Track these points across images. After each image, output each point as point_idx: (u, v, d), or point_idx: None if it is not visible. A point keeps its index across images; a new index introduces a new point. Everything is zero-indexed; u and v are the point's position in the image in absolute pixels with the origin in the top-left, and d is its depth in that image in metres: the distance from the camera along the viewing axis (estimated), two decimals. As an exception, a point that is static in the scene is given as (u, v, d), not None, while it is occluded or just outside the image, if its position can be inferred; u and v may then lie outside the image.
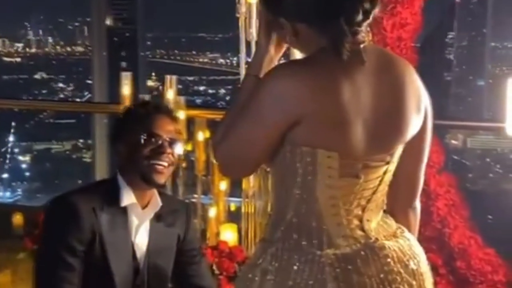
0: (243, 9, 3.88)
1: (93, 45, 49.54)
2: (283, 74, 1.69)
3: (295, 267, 1.73)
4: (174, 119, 2.67)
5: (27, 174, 42.84)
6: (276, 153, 1.74)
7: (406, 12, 3.99)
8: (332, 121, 1.67)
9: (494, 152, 39.17)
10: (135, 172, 2.52)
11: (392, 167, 1.82)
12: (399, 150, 1.81)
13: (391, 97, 1.75)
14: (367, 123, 1.70)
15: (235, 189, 4.26)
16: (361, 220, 1.79)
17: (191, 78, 49.97)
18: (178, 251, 2.70)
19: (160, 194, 2.65)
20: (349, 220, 1.77)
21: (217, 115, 4.32)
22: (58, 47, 56.22)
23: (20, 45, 55.64)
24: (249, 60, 2.55)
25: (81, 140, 45.46)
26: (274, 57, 1.87)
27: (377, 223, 1.83)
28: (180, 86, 4.72)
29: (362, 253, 1.75)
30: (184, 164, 4.16)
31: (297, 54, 2.27)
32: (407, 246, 1.83)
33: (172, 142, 2.57)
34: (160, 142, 2.54)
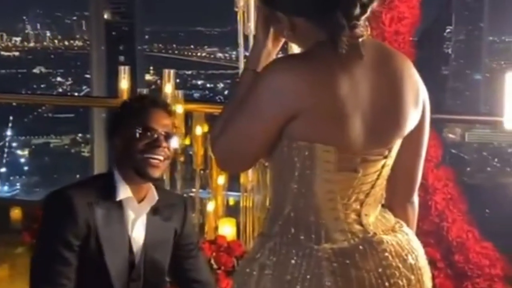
0: (241, 3, 3.88)
1: (91, 39, 49.45)
2: (281, 68, 1.69)
3: (293, 262, 1.72)
4: (170, 113, 2.67)
5: (26, 168, 42.80)
6: (274, 147, 1.74)
7: (404, 6, 3.98)
8: (330, 115, 1.67)
9: (491, 146, 39.19)
10: (130, 166, 2.52)
11: (390, 161, 1.82)
12: (397, 144, 1.81)
13: (389, 91, 1.75)
14: (365, 117, 1.70)
15: (234, 183, 4.26)
16: (359, 215, 1.79)
17: (189, 72, 49.90)
18: (175, 245, 2.70)
19: (157, 188, 2.65)
20: (347, 215, 1.77)
21: (215, 109, 4.32)
22: (56, 41, 56.11)
23: (18, 39, 55.52)
24: (248, 54, 2.55)
25: (79, 135, 45.40)
26: (272, 51, 1.87)
27: (375, 217, 1.83)
28: (178, 80, 4.72)
29: (360, 247, 1.75)
30: (182, 158, 4.16)
31: (295, 48, 2.27)
32: (405, 240, 1.83)
33: (167, 136, 2.56)
34: (155, 136, 2.54)
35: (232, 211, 4.24)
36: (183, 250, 2.74)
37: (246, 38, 3.87)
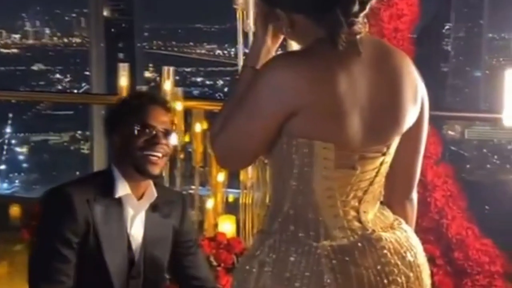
0: (240, 0, 3.87)
1: (91, 36, 49.34)
2: (280, 65, 1.69)
3: (292, 259, 1.72)
4: (169, 110, 2.68)
5: (25, 165, 42.74)
6: (273, 144, 1.74)
7: (403, 3, 3.97)
8: (329, 113, 1.67)
9: (491, 143, 39.17)
10: (129, 163, 2.52)
11: (388, 158, 1.81)
12: (395, 141, 1.81)
13: (388, 88, 1.75)
14: (364, 114, 1.70)
15: (233, 180, 4.25)
16: (358, 212, 1.79)
17: (188, 69, 49.81)
18: (174, 242, 2.70)
19: (156, 185, 2.65)
20: (345, 212, 1.77)
21: (214, 106, 4.32)
22: (55, 38, 56.02)
23: (17, 36, 55.44)
24: (247, 51, 2.54)
25: (79, 132, 45.33)
26: (271, 48, 1.87)
27: (374, 214, 1.83)
28: (177, 77, 4.71)
29: (359, 244, 1.75)
30: (181, 156, 4.15)
31: (294, 45, 2.26)
32: (404, 237, 1.83)
33: (166, 133, 2.57)
34: (154, 132, 2.54)
35: (231, 208, 4.24)
36: (182, 247, 2.74)
37: (245, 35, 3.86)
